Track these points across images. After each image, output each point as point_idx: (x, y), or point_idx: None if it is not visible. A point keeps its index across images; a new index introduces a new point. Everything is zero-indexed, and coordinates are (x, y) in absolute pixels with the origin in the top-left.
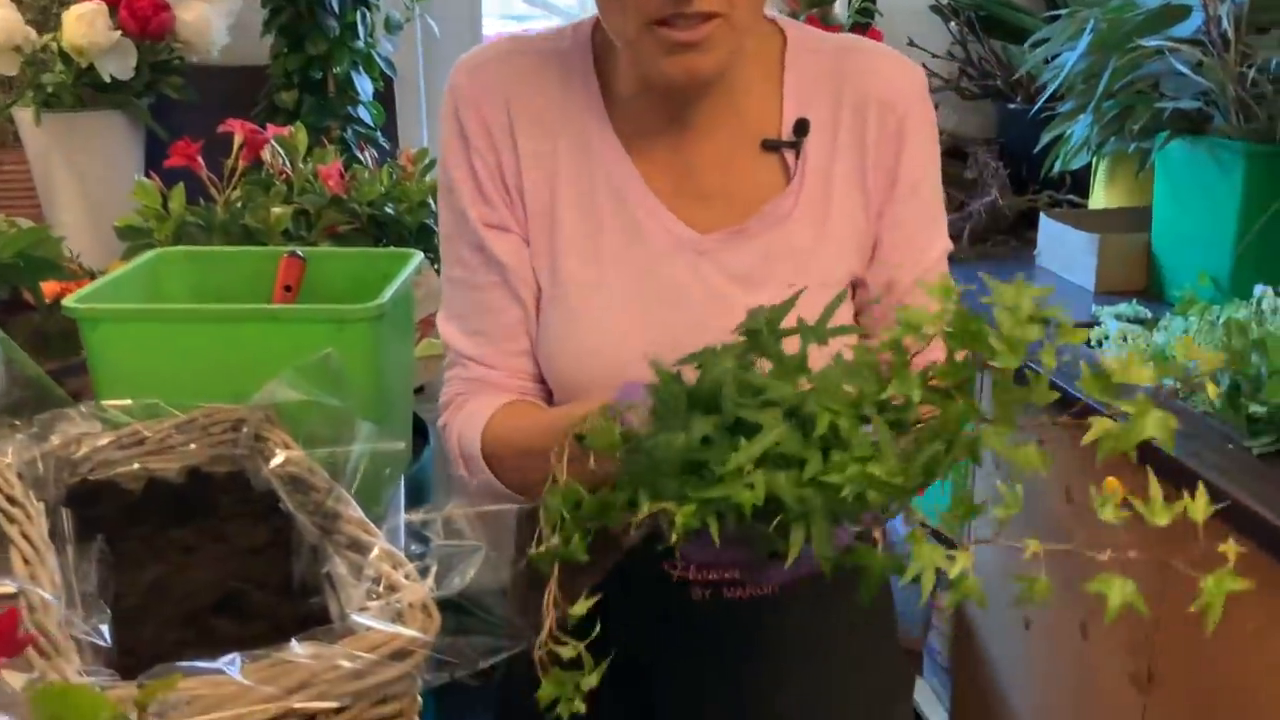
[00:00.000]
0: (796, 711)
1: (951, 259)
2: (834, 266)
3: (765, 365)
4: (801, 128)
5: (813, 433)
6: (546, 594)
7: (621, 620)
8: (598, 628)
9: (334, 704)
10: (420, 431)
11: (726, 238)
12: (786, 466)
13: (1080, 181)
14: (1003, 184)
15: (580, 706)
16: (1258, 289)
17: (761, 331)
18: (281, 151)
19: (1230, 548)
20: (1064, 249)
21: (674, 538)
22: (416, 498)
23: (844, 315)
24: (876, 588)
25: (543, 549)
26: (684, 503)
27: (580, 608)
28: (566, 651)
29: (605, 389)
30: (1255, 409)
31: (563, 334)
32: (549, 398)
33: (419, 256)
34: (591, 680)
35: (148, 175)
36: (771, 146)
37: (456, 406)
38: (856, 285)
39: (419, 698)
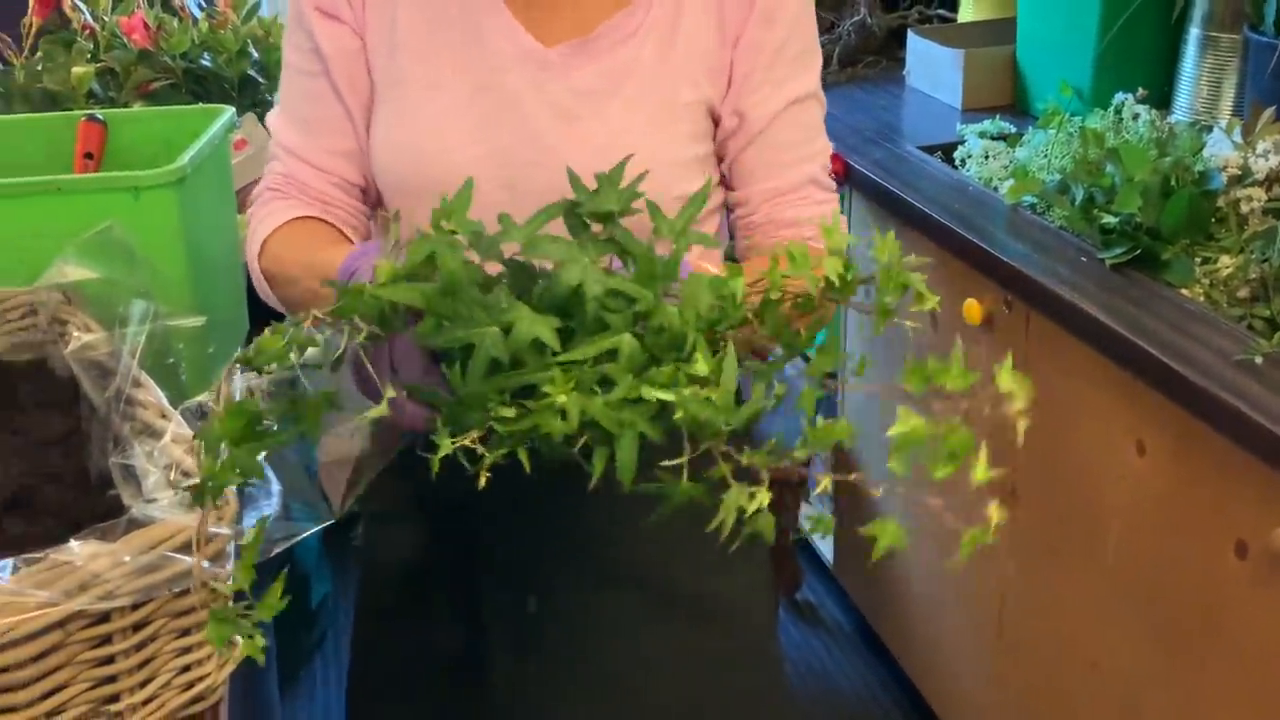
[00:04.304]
0: (637, 569)
1: (823, 84)
2: (679, 88)
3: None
4: None
5: (658, 343)
6: None
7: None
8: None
9: (122, 602)
10: None
11: (570, 51)
12: (602, 382)
13: None
14: (872, 1)
15: None
16: (1118, 97)
17: (586, 209)
18: (82, 5)
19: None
20: (932, 67)
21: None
22: None
23: (703, 150)
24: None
25: None
26: (491, 438)
27: None
28: None
29: (434, 193)
30: (1108, 220)
31: (395, 132)
32: (374, 199)
33: (229, 112)
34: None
35: None
36: None
37: (262, 203)
38: (716, 118)
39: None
